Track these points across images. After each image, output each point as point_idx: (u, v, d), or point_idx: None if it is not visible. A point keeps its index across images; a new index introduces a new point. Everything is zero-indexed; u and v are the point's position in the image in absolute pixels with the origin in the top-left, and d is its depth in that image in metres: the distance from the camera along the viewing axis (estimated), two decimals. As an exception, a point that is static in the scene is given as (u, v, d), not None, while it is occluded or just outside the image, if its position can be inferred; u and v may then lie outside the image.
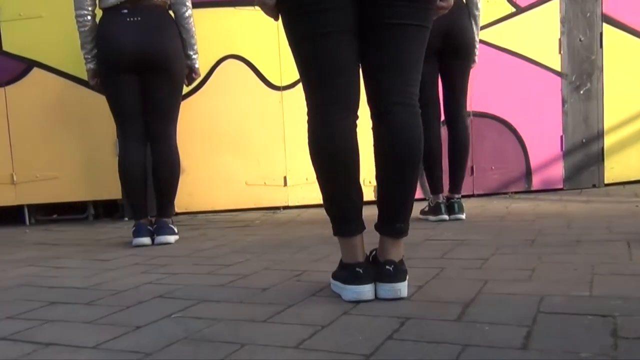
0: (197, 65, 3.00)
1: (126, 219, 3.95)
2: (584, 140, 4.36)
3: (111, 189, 3.88)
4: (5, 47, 3.88)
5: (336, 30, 1.59)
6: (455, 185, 3.26)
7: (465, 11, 3.17)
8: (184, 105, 3.21)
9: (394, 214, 1.68)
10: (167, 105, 2.89)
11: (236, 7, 4.01)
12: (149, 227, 2.87)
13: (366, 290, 1.62)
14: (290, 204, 4.11)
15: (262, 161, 4.02)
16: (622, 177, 4.41)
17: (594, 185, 4.39)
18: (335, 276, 1.74)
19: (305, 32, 1.61)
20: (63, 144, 3.90)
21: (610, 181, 4.42)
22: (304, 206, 4.06)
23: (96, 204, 4.12)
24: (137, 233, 2.81)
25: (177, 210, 4.00)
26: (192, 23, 2.93)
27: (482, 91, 4.16)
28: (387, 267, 1.65)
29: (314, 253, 2.41)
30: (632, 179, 4.39)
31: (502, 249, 2.25)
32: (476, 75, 4.24)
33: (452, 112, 3.28)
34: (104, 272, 2.24)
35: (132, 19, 2.75)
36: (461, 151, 3.26)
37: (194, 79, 3.08)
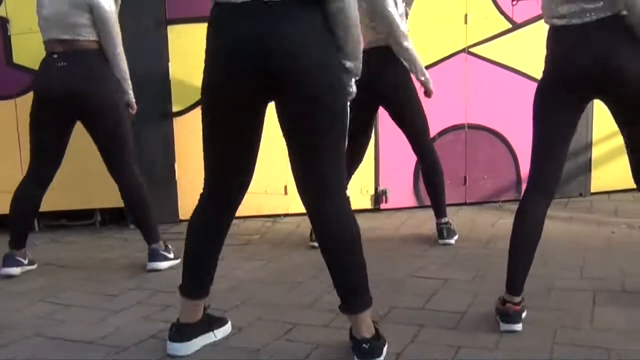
0: (132, 100, 3.10)
1: (132, 226, 4.14)
2: (572, 151, 4.50)
3: (117, 197, 4.05)
4: (15, 60, 4.00)
5: None
6: (439, 210, 3.43)
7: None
8: (192, 114, 3.36)
9: (345, 293, 1.87)
10: (108, 141, 3.02)
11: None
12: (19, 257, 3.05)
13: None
14: (290, 211, 4.30)
15: (263, 170, 4.17)
16: (608, 187, 4.58)
17: (580, 194, 4.56)
18: None
19: None
20: (70, 153, 4.04)
21: (596, 190, 4.59)
22: (304, 214, 4.24)
23: (103, 210, 4.30)
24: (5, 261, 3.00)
25: (181, 217, 4.20)
26: (123, 60, 3.02)
27: (476, 104, 4.29)
28: (364, 345, 1.84)
29: (306, 293, 2.60)
30: (617, 188, 4.55)
31: (480, 297, 2.44)
32: (471, 89, 4.39)
33: (418, 150, 3.40)
34: (110, 316, 2.44)
35: (60, 64, 2.89)
36: (436, 179, 3.40)
37: (131, 114, 3.16)
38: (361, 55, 1.93)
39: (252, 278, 2.91)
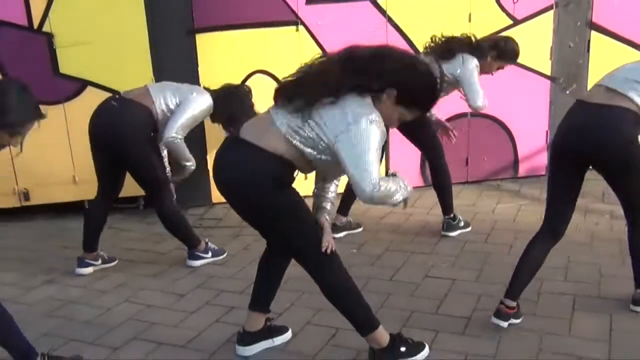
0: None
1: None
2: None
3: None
4: (61, 70, 4.43)
5: None
6: (444, 208, 4.00)
7: None
8: None
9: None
10: (136, 178, 3.57)
11: (263, 28, 4.53)
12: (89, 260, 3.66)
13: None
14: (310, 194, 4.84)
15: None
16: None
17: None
18: None
19: None
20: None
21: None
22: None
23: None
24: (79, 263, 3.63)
25: (214, 201, 4.76)
26: (173, 147, 3.55)
27: (479, 95, 4.75)
28: (370, 353, 2.48)
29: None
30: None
31: (482, 301, 3.03)
32: (473, 82, 4.84)
33: (431, 162, 4.00)
34: (187, 318, 3.03)
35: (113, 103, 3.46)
36: (444, 181, 3.97)
37: None
38: None
39: (295, 276, 3.46)
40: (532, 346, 2.62)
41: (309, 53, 4.53)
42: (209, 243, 3.80)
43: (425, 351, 2.57)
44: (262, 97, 4.56)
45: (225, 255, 3.82)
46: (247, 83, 4.57)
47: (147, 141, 3.46)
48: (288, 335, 2.80)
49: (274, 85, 4.52)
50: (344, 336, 2.78)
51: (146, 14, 4.39)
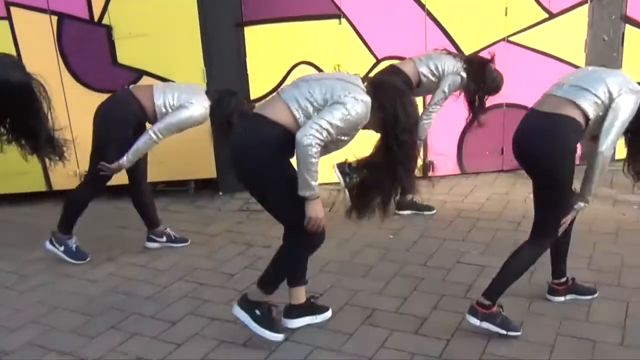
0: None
1: (220, 193, 5.02)
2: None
3: (207, 170, 4.93)
4: (119, 60, 4.75)
5: None
6: None
7: None
8: None
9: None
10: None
11: (307, 21, 4.76)
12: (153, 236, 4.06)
13: None
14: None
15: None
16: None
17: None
18: None
19: None
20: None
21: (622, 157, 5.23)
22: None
23: (196, 180, 5.18)
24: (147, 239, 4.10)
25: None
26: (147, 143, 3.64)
27: (514, 86, 4.89)
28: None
29: (378, 279, 3.45)
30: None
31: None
32: (509, 73, 4.99)
33: None
34: (238, 295, 3.33)
35: None
36: None
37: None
38: None
39: (333, 258, 3.75)
40: (550, 330, 2.83)
41: (351, 45, 4.82)
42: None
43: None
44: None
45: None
46: (290, 74, 4.81)
47: (123, 130, 3.67)
48: (328, 314, 3.05)
49: (316, 76, 4.85)
50: (379, 316, 3.03)
51: (198, 8, 4.66)
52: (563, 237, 2.87)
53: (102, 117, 3.70)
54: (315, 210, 2.55)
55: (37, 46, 4.65)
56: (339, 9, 4.78)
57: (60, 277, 3.70)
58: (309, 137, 2.42)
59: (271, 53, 4.82)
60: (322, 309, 3.05)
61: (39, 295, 3.47)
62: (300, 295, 2.97)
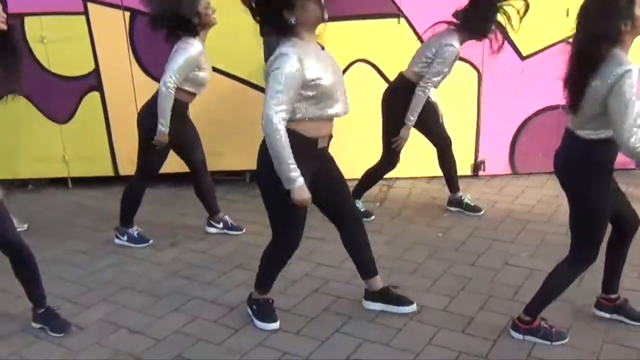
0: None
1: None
2: None
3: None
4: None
5: None
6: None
7: None
8: None
9: None
10: None
11: (366, 20, 4.87)
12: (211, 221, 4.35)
13: None
14: (402, 176, 5.22)
15: (377, 141, 5.08)
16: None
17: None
18: None
19: None
20: (227, 128, 5.09)
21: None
22: (412, 178, 5.19)
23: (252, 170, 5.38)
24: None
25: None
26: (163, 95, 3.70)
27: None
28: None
29: (426, 276, 3.58)
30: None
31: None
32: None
33: None
34: (290, 286, 3.52)
35: None
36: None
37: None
38: None
39: (383, 253, 3.88)
40: (597, 336, 2.91)
41: (409, 44, 4.92)
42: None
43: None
44: (362, 84, 4.96)
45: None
46: (348, 71, 4.95)
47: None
48: (405, 308, 3.17)
49: (374, 74, 4.97)
50: (427, 313, 3.18)
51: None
52: (620, 251, 2.90)
53: (142, 112, 3.97)
54: (300, 195, 2.67)
55: (110, 41, 4.91)
56: (398, 8, 4.87)
57: (128, 259, 3.97)
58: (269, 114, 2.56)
59: (330, 49, 4.92)
60: (398, 300, 3.19)
61: (109, 275, 3.74)
62: (373, 285, 3.18)
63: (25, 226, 4.40)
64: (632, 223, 2.85)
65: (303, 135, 2.69)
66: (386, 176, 4.73)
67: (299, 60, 2.53)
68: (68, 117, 5.23)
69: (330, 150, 2.98)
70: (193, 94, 3.88)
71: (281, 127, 2.55)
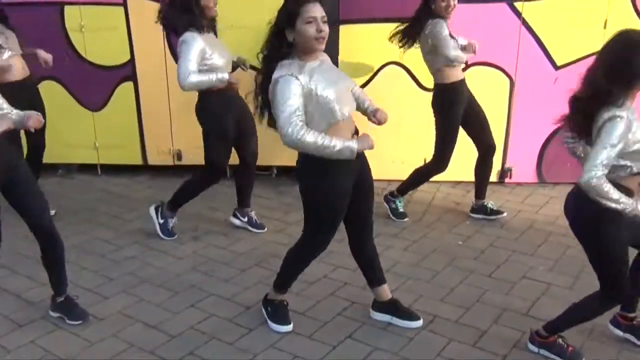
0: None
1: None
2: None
3: (290, 157, 5.14)
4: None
5: None
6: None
7: None
8: None
9: None
10: None
11: (397, 23, 4.83)
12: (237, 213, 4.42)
13: None
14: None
15: (403, 143, 5.09)
16: None
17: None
18: None
19: None
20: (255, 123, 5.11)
21: None
22: (438, 182, 5.16)
23: (278, 166, 5.43)
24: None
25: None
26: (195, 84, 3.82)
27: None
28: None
29: (442, 285, 3.59)
30: None
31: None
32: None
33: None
34: (307, 288, 3.55)
35: None
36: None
37: None
38: None
39: (401, 260, 3.90)
40: (611, 355, 2.89)
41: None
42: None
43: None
44: (395, 86, 4.96)
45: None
46: (379, 73, 4.95)
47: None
48: (411, 323, 3.16)
49: (406, 76, 4.95)
50: (440, 324, 3.18)
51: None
52: None
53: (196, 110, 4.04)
54: (366, 145, 2.72)
55: (147, 33, 4.97)
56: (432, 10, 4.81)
57: (150, 250, 4.05)
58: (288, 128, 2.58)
59: (363, 51, 4.96)
60: (403, 314, 3.19)
61: (130, 266, 3.82)
62: (380, 295, 3.20)
63: (53, 212, 4.52)
64: None
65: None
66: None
67: (296, 77, 2.59)
68: (101, 105, 5.34)
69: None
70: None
71: (301, 133, 2.56)
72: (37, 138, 4.32)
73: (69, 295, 3.22)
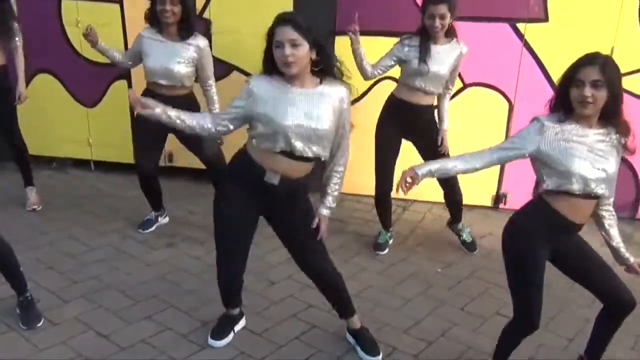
0: None
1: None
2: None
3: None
4: (214, 53, 4.93)
5: None
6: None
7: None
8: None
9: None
10: None
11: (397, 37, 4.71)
12: None
13: None
14: (420, 199, 5.09)
15: (400, 161, 4.95)
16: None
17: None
18: None
19: None
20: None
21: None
22: (431, 202, 5.04)
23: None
24: None
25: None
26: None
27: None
28: None
29: (409, 315, 3.46)
30: None
31: (541, 352, 3.16)
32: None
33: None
34: (273, 306, 3.47)
35: None
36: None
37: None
38: None
39: (373, 284, 3.78)
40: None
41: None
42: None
43: None
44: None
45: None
46: (374, 88, 4.83)
47: None
48: (369, 357, 3.04)
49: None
50: (396, 357, 3.06)
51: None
52: (612, 322, 2.70)
53: None
54: None
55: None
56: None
57: (121, 254, 4.01)
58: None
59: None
60: (368, 346, 3.09)
61: (97, 270, 3.78)
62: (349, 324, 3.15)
63: (38, 207, 4.56)
64: (620, 305, 2.64)
65: None
66: (403, 197, 4.59)
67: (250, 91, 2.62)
68: (95, 102, 5.32)
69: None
70: None
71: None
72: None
73: (28, 296, 3.19)
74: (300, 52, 2.52)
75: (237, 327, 3.21)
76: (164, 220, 4.48)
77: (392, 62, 3.92)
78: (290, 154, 2.62)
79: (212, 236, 2.90)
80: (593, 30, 4.54)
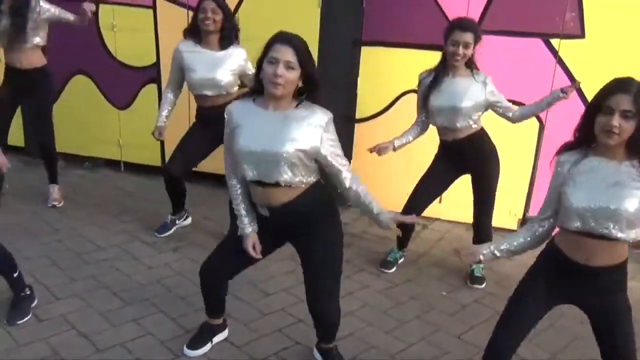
0: None
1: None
2: None
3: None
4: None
5: None
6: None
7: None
8: (370, 122, 4.69)
9: None
10: None
11: (426, 50, 4.57)
12: None
13: None
14: (442, 217, 4.90)
15: (419, 174, 4.78)
16: None
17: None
18: None
19: None
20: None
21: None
22: (454, 222, 4.85)
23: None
24: None
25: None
26: None
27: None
28: None
29: (401, 340, 3.31)
30: None
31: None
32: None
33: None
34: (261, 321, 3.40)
35: None
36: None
37: None
38: None
39: (371, 303, 3.65)
40: None
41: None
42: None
43: None
44: (413, 116, 4.66)
45: None
46: (398, 102, 4.71)
47: None
48: None
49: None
50: None
51: (320, 20, 4.69)
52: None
53: None
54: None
55: (172, 37, 4.95)
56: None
57: (125, 255, 4.05)
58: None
59: (383, 76, 4.75)
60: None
61: (97, 269, 3.82)
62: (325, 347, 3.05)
63: (60, 204, 4.69)
64: None
65: None
66: (425, 215, 4.46)
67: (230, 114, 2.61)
68: (127, 104, 5.44)
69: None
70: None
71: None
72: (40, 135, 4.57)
73: (23, 294, 3.26)
74: (292, 76, 2.42)
75: (217, 338, 3.15)
76: (184, 222, 4.50)
77: (423, 102, 3.79)
78: (259, 182, 2.54)
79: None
80: (632, 49, 4.27)
